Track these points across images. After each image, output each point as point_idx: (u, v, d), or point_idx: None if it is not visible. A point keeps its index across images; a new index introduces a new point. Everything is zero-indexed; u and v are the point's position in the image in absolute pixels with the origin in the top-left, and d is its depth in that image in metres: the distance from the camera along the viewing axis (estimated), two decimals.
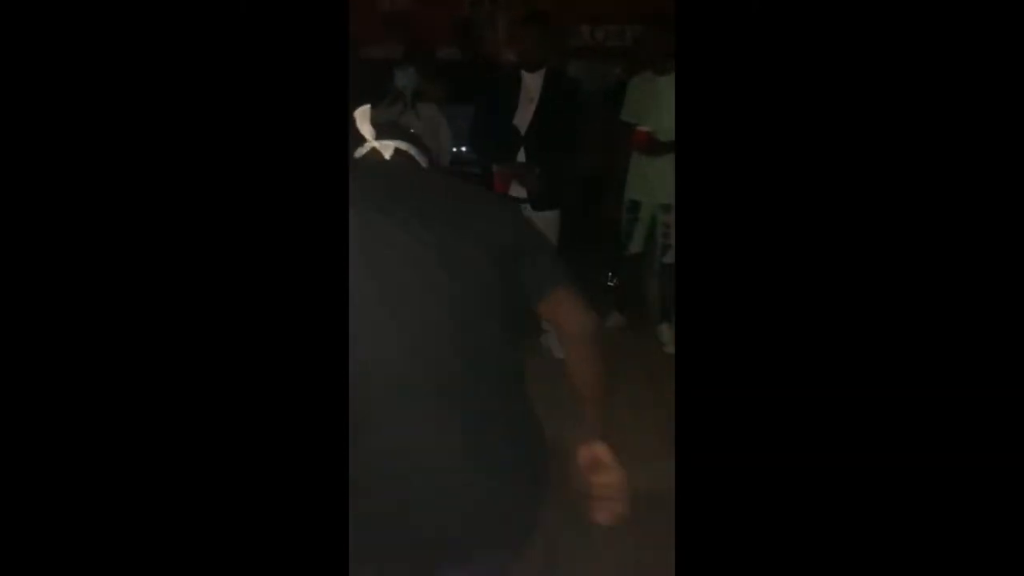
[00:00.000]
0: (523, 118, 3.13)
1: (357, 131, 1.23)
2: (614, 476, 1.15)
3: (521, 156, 3.16)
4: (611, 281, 4.12)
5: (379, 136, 1.23)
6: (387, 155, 1.22)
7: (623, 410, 3.04)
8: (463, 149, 3.41)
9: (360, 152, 1.24)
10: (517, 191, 3.20)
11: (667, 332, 3.57)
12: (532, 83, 3.13)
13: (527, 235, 1.18)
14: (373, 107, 1.24)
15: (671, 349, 3.46)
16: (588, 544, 2.21)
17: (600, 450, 1.16)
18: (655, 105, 3.22)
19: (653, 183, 3.33)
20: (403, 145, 1.24)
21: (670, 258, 3.43)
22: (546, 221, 3.29)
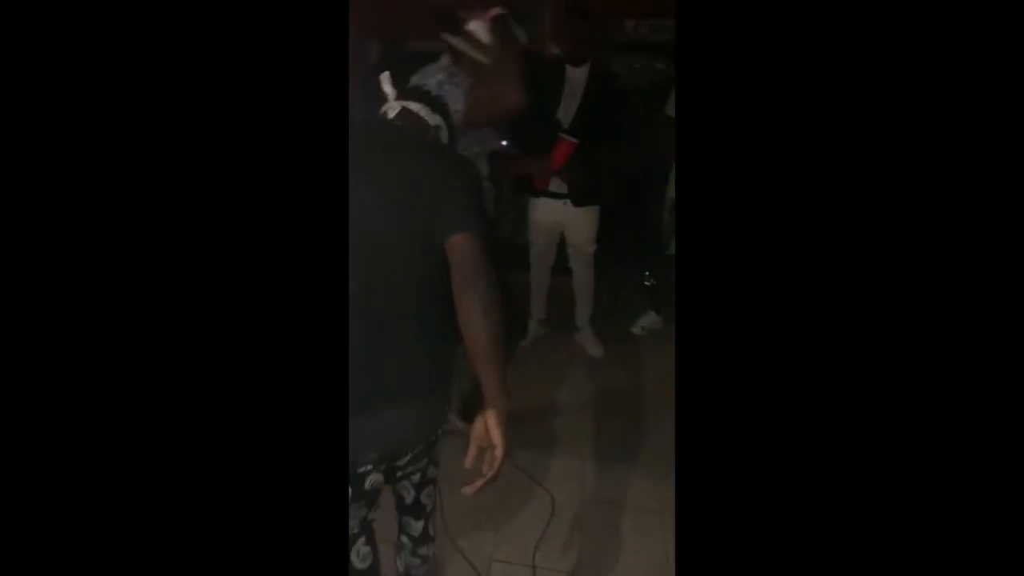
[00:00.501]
0: (567, 112, 3.11)
1: (382, 92, 1.39)
2: (495, 450, 1.15)
3: None
4: (648, 280, 4.08)
5: (399, 97, 1.35)
6: (391, 115, 1.33)
7: (656, 410, 3.02)
8: (505, 143, 3.39)
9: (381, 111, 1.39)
10: (558, 186, 3.19)
11: None
12: (576, 77, 3.10)
13: (453, 177, 1.24)
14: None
15: None
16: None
17: (488, 418, 1.15)
18: None
19: None
20: (414, 106, 1.34)
21: None
22: (586, 216, 3.29)
